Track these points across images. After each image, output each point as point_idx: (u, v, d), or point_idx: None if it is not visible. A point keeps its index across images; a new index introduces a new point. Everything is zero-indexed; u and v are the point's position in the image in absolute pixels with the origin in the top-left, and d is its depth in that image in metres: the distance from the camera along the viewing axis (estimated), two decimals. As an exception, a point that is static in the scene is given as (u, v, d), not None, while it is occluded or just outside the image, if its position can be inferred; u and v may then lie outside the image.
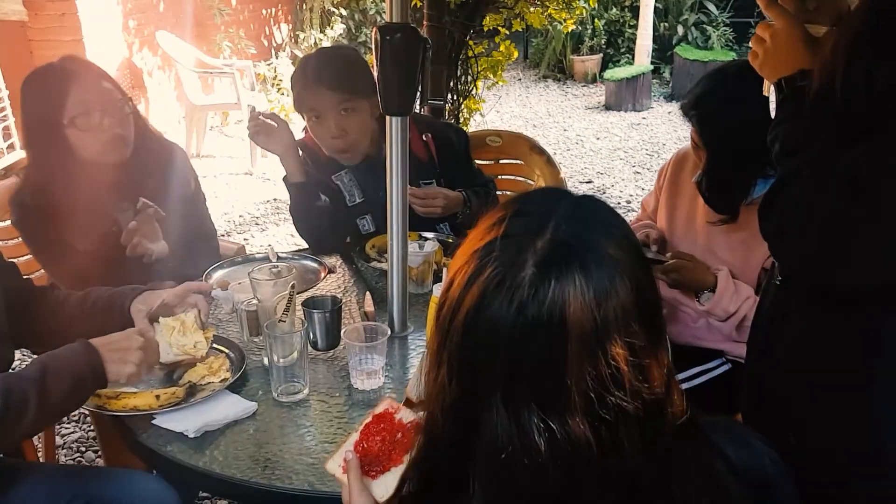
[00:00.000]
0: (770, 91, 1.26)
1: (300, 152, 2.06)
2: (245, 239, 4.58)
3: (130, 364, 1.29)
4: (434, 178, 2.19)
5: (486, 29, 3.69)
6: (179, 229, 2.01)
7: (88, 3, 5.23)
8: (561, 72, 9.21)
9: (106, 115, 1.81)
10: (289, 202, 2.08)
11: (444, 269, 1.65)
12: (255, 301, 1.52)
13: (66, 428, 2.71)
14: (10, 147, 5.10)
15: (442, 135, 2.21)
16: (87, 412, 1.88)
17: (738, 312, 1.79)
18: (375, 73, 1.48)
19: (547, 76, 9.23)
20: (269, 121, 1.96)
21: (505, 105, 7.80)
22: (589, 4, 3.59)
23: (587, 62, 8.92)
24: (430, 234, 2.09)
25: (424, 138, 2.17)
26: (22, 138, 1.89)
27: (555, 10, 3.54)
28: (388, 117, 1.53)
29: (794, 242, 1.08)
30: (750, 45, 1.28)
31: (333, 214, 2.03)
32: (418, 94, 1.51)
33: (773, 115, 1.22)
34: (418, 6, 3.27)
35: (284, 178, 2.04)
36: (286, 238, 4.54)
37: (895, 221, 0.98)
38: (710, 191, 1.79)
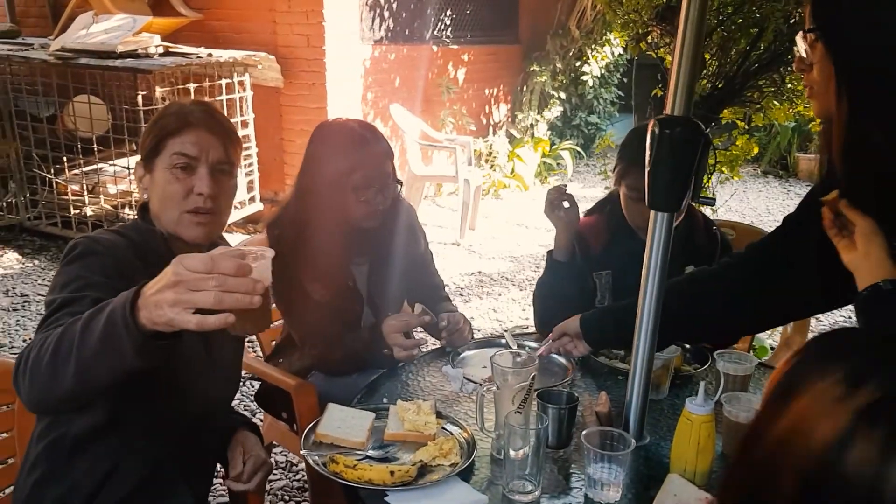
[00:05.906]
0: None
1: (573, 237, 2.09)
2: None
3: (164, 307, 0.98)
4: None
5: (723, 122, 3.54)
6: (414, 283, 2.17)
7: (335, 76, 5.72)
8: (783, 168, 8.69)
9: (380, 193, 1.93)
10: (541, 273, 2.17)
11: (685, 376, 1.51)
12: (495, 387, 1.47)
13: (273, 475, 2.81)
14: (252, 199, 5.63)
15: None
16: (305, 461, 1.88)
17: None
18: (647, 165, 1.41)
19: (768, 172, 8.74)
20: (565, 200, 2.03)
21: (721, 198, 7.43)
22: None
23: (814, 161, 8.34)
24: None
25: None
26: (299, 176, 2.00)
27: (804, 107, 3.31)
28: (652, 212, 1.45)
29: None
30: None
31: (576, 306, 1.97)
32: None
33: None
34: (658, 95, 3.21)
35: (550, 252, 2.10)
36: (488, 313, 4.53)
37: None
38: None
